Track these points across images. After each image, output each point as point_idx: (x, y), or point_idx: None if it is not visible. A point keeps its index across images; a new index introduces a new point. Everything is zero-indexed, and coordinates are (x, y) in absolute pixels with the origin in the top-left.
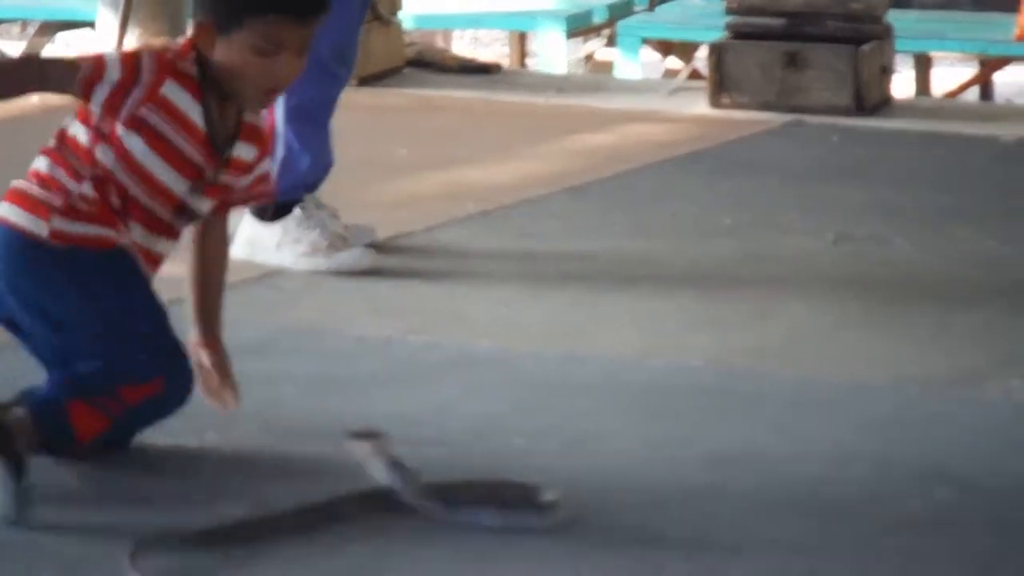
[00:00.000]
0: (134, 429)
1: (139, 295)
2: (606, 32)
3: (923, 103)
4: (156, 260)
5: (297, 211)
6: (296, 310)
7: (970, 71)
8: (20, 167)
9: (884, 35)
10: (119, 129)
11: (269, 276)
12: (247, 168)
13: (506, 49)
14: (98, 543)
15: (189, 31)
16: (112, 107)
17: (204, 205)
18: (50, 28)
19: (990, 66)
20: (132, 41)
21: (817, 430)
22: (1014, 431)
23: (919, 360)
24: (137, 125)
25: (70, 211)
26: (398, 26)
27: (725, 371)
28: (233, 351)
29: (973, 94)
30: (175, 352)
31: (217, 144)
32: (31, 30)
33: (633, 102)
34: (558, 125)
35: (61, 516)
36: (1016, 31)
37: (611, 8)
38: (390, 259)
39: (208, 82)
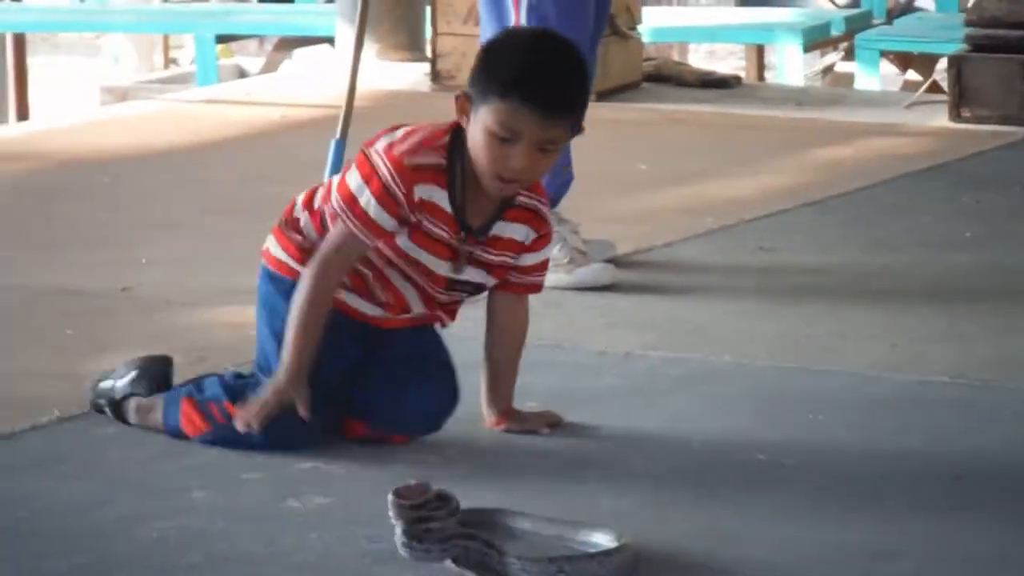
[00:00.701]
0: (239, 444)
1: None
2: (844, 45)
3: None
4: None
5: None
6: (537, 325)
7: None
8: (256, 181)
9: None
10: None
11: None
12: (517, 247)
13: (741, 62)
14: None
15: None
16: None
17: (475, 276)
18: (287, 44)
19: None
20: (370, 56)
21: None
22: None
23: None
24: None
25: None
26: (637, 40)
27: (968, 384)
28: (472, 366)
29: None
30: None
31: (465, 224)
32: (268, 46)
33: (872, 115)
34: (798, 138)
35: None
36: None
37: (849, 20)
38: (630, 274)
39: (462, 162)
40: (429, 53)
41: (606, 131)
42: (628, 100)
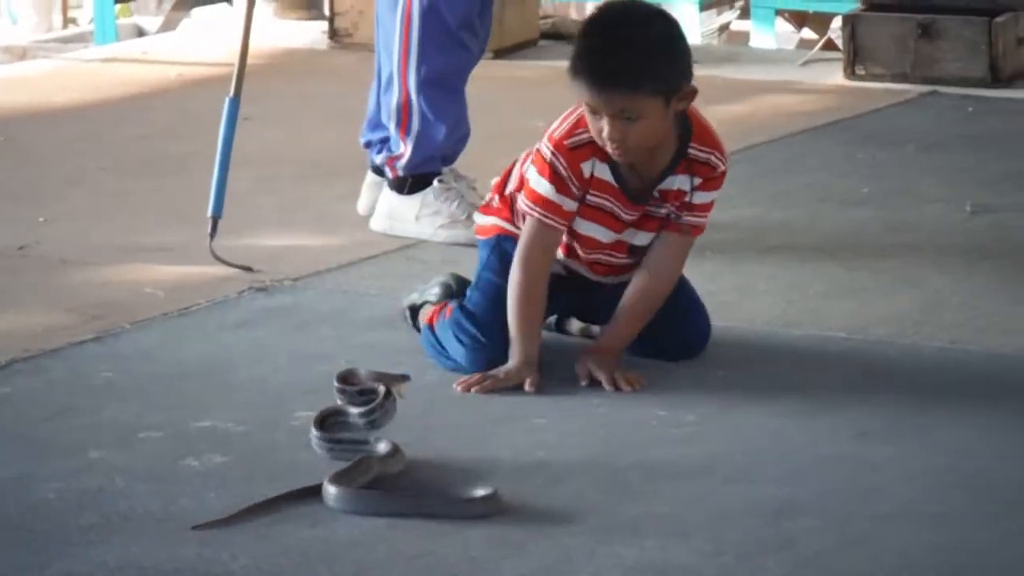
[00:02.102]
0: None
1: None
2: (739, 3)
3: None
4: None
5: (435, 183)
6: None
7: None
8: (154, 139)
9: (1020, 5)
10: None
11: (408, 248)
12: (681, 197)
13: None
14: None
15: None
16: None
17: (646, 239)
18: (185, 3)
19: None
20: (268, 14)
21: (956, 400)
22: None
23: None
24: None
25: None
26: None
27: (865, 340)
28: (373, 323)
29: None
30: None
31: (629, 193)
32: (166, 5)
33: (768, 73)
34: None
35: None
36: None
37: None
38: None
39: None
40: (327, 11)
41: (503, 88)
42: (525, 58)
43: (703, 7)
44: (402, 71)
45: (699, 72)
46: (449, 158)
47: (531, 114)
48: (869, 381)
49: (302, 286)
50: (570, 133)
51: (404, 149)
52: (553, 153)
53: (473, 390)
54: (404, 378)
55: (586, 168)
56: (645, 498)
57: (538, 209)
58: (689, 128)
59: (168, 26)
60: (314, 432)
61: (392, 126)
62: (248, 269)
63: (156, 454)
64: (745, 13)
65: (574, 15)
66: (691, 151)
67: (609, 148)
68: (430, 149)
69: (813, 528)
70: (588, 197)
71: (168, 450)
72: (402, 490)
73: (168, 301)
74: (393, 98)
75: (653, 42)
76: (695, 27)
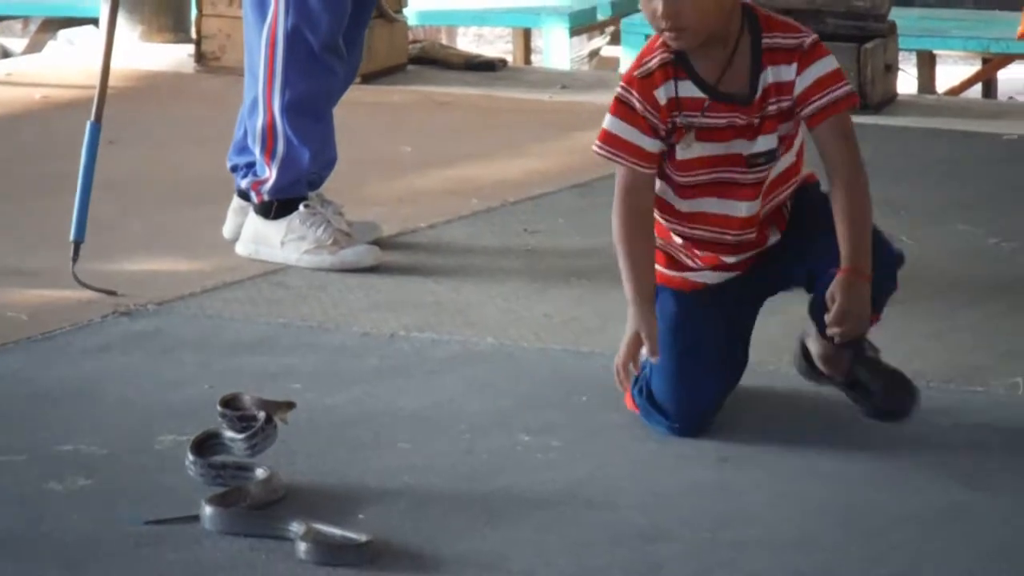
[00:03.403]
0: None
1: None
2: (610, 29)
3: (926, 100)
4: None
5: (301, 208)
6: (301, 306)
7: (973, 68)
8: (18, 162)
9: (887, 33)
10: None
11: (274, 273)
12: (788, 88)
13: (510, 46)
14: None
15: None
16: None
17: (768, 142)
18: (52, 25)
19: (993, 64)
20: (134, 38)
21: (822, 425)
22: (1017, 426)
23: (923, 356)
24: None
25: None
26: (403, 23)
27: None
28: (236, 348)
29: (976, 92)
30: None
31: (725, 95)
32: (33, 27)
33: None
34: (563, 122)
35: None
36: (1020, 29)
37: (615, 5)
38: (394, 256)
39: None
40: (194, 34)
41: (371, 113)
42: (393, 82)
43: (573, 32)
44: (267, 95)
45: (568, 97)
46: (315, 183)
47: (399, 139)
48: (734, 405)
49: (166, 310)
50: (638, 64)
51: (269, 173)
52: (624, 88)
53: (624, 374)
54: (289, 405)
55: (662, 93)
56: (510, 524)
57: (615, 152)
58: (757, 22)
59: (34, 48)
60: (190, 456)
61: (257, 150)
62: (112, 293)
63: (19, 478)
64: (615, 38)
65: (444, 39)
66: (765, 41)
67: (666, 35)
68: (295, 173)
69: (677, 554)
70: (693, 120)
71: (31, 474)
72: (276, 516)
73: (31, 325)
74: (258, 122)
75: None
76: (565, 52)
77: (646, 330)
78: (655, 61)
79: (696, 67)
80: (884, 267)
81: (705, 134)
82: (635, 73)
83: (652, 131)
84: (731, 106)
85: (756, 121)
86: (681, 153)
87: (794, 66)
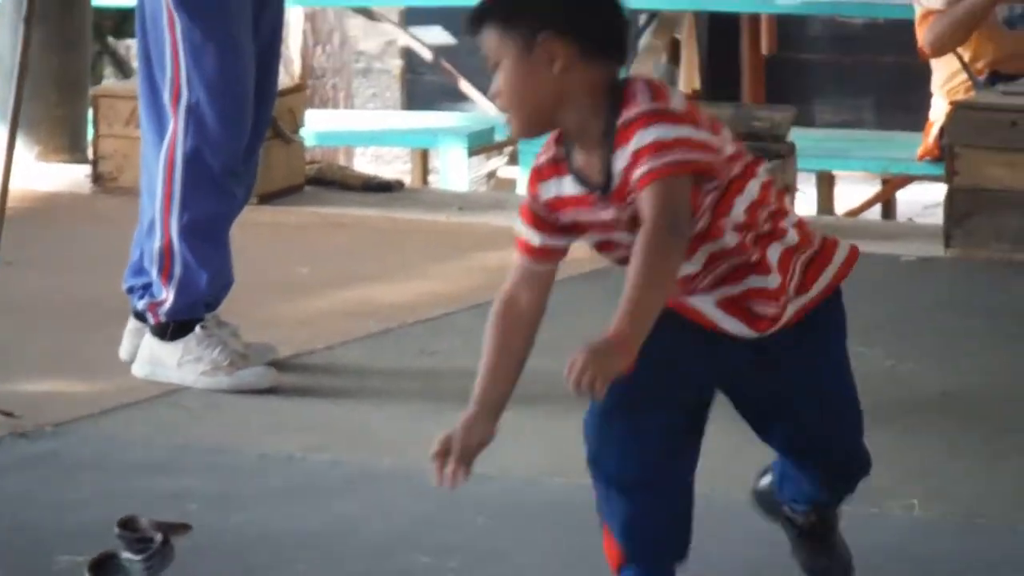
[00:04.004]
0: None
1: None
2: (508, 149)
3: (825, 221)
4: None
5: (197, 329)
6: (198, 428)
7: (873, 189)
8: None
9: (787, 153)
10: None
11: (170, 394)
12: (633, 161)
13: (408, 166)
14: None
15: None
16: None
17: (627, 214)
18: None
19: (893, 184)
20: (30, 158)
21: (720, 546)
22: (915, 548)
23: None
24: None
25: None
26: (299, 144)
27: None
28: (137, 469)
29: (876, 213)
30: None
31: (592, 185)
32: None
33: None
34: (460, 243)
35: None
36: (919, 150)
37: None
38: (292, 377)
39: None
40: (90, 154)
41: (268, 234)
42: (290, 203)
43: (471, 152)
44: (164, 217)
45: (465, 218)
46: (212, 304)
47: (296, 261)
48: None
49: (64, 432)
50: (538, 156)
51: (166, 295)
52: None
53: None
54: (186, 527)
55: (544, 190)
56: None
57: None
58: (620, 100)
59: None
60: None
61: (154, 272)
62: (9, 415)
63: None
64: (513, 159)
65: (342, 160)
66: (619, 122)
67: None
68: (192, 296)
69: None
70: (576, 219)
71: None
72: None
73: None
74: (155, 243)
75: None
76: (463, 173)
77: (459, 439)
78: (548, 155)
79: (573, 159)
80: (844, 477)
81: (587, 226)
82: (533, 166)
83: (541, 227)
84: (590, 197)
85: (624, 217)
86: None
87: (627, 151)
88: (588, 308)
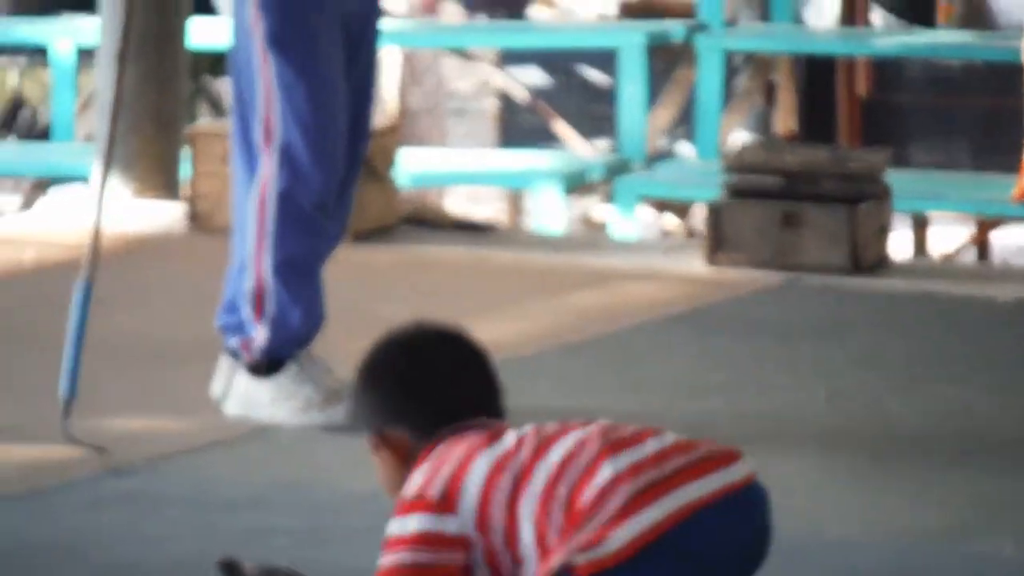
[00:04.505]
0: None
1: None
2: (603, 190)
3: (920, 263)
4: None
5: (291, 366)
6: (287, 464)
7: (968, 231)
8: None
9: (882, 195)
10: None
11: (263, 431)
12: None
13: (503, 205)
14: None
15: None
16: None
17: None
18: (43, 184)
19: (988, 226)
20: (126, 196)
21: None
22: None
23: (909, 516)
24: None
25: None
26: (392, 183)
27: None
28: (227, 506)
29: (971, 254)
30: None
31: None
32: (25, 183)
33: (629, 260)
34: (552, 283)
35: None
36: (1015, 191)
37: (608, 166)
38: None
39: None
40: (187, 193)
41: (361, 273)
42: (384, 242)
43: (566, 192)
44: (257, 255)
45: (558, 258)
46: (305, 341)
47: (388, 299)
48: None
49: (155, 468)
50: None
51: (259, 333)
52: None
53: None
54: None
55: None
56: None
57: None
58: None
59: (26, 205)
60: None
61: (247, 310)
62: (102, 450)
63: None
64: (607, 199)
65: (436, 199)
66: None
67: None
68: (285, 333)
69: None
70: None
71: None
72: None
73: (19, 481)
74: (248, 282)
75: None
76: (557, 213)
77: None
78: None
79: None
80: None
81: None
82: None
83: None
84: None
85: None
86: None
87: None
88: (677, 350)
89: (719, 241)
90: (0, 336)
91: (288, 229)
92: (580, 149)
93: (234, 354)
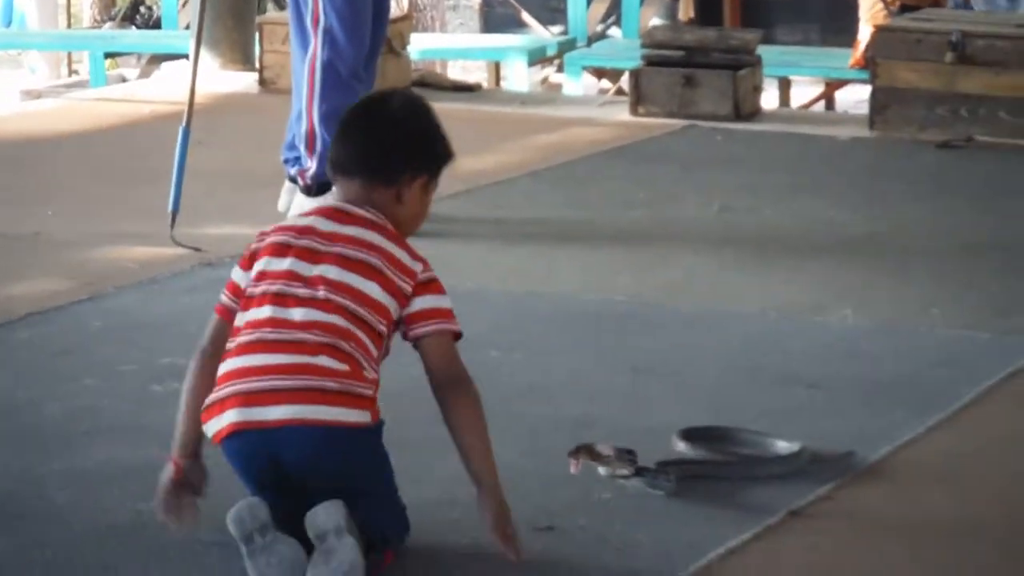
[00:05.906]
0: None
1: None
2: (557, 61)
3: (783, 112)
4: None
5: (334, 188)
6: None
7: (818, 89)
8: (132, 158)
9: (755, 63)
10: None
11: None
12: None
13: (484, 73)
14: None
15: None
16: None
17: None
18: (157, 59)
19: (833, 86)
20: (215, 68)
21: (707, 346)
22: (847, 346)
23: (779, 295)
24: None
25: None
26: (406, 57)
27: (641, 302)
28: None
29: (820, 106)
30: None
31: None
32: (143, 61)
33: (575, 112)
34: (522, 128)
35: None
36: (852, 60)
37: (560, 44)
38: None
39: None
40: (258, 64)
41: None
42: None
43: (530, 64)
44: (308, 108)
45: (525, 111)
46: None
47: None
48: (640, 331)
49: (237, 262)
50: None
51: (310, 164)
52: None
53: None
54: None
55: None
56: None
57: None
58: None
59: (144, 75)
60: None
61: (302, 147)
62: (198, 250)
63: (131, 382)
64: (560, 69)
65: (438, 69)
66: None
67: None
68: None
69: (601, 436)
70: None
71: (140, 379)
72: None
73: (140, 272)
74: (302, 127)
75: (375, 128)
76: (524, 79)
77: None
78: None
79: None
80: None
81: None
82: None
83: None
84: None
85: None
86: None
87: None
88: (612, 175)
89: (639, 97)
90: (124, 168)
91: (330, 89)
92: (541, 33)
93: (293, 180)
